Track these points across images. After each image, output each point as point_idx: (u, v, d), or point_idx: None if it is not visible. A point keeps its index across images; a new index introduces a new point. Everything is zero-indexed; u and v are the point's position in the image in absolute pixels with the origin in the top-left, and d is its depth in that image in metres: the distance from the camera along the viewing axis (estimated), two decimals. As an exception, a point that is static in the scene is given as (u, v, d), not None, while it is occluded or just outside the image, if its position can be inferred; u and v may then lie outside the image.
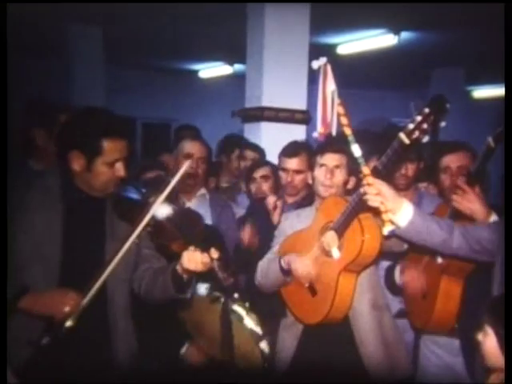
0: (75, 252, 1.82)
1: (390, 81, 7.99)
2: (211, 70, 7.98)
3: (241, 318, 1.84)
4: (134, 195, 1.78)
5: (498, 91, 8.62)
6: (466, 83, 7.69)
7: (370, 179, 1.84)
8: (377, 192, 1.83)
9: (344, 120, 1.90)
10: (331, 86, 1.96)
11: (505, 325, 1.41)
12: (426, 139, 1.78)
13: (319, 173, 2.35)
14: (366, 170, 1.85)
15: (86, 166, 1.82)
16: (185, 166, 1.76)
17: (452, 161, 2.49)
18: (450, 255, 2.01)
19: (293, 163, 2.88)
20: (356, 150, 1.87)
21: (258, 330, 1.85)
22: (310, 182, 2.45)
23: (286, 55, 4.34)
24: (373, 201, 1.84)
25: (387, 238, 1.94)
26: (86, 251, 1.85)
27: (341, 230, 2.12)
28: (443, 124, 1.78)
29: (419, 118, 1.76)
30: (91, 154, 1.80)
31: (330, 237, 2.17)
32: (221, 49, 6.63)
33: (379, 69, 7.10)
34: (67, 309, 1.71)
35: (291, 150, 2.92)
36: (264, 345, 1.82)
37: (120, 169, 1.83)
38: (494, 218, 2.08)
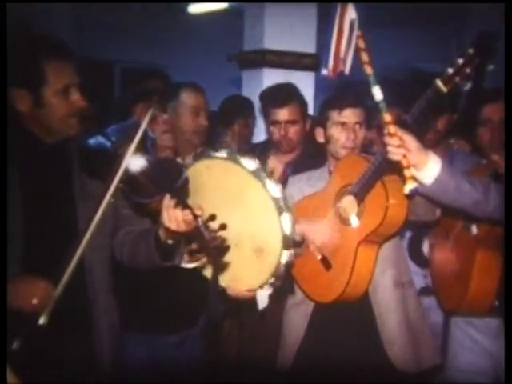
0: (41, 221, 1.77)
1: (416, 16, 7.83)
2: (202, 5, 7.84)
3: (264, 183, 1.79)
4: (103, 145, 1.72)
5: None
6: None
7: (392, 128, 1.82)
8: (399, 143, 1.82)
9: (365, 56, 1.86)
10: (351, 14, 1.89)
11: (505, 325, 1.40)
12: (467, 87, 1.74)
13: (338, 132, 2.33)
14: (387, 116, 1.83)
15: (34, 102, 1.75)
16: (150, 111, 1.71)
17: (494, 111, 2.47)
18: (484, 218, 2.02)
19: (284, 113, 2.86)
20: (377, 93, 1.84)
21: (282, 202, 1.79)
22: (321, 140, 2.42)
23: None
24: (394, 153, 1.84)
25: (410, 197, 1.94)
26: (53, 218, 1.80)
27: (361, 194, 2.12)
28: (491, 67, 1.74)
29: (461, 61, 1.71)
30: (34, 85, 1.73)
31: (348, 202, 2.18)
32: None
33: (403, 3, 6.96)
34: (35, 301, 1.67)
35: (280, 97, 2.89)
36: (286, 218, 1.77)
37: (78, 98, 1.76)
38: None
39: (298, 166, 2.68)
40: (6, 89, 1.76)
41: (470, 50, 1.72)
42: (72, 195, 1.83)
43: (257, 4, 4.36)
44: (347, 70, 1.97)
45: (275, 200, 1.82)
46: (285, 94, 2.92)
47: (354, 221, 2.16)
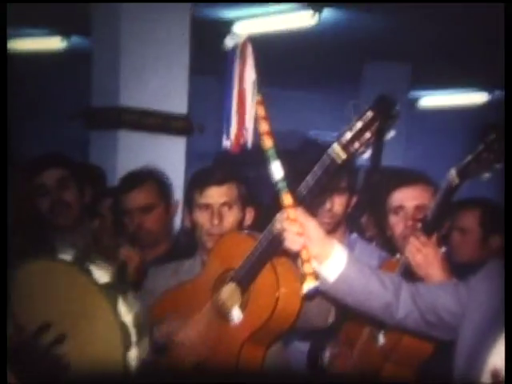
0: None
1: (310, 77, 8.50)
2: (32, 41, 7.64)
3: (112, 300, 1.86)
4: None
5: (452, 99, 9.58)
6: (410, 86, 8.44)
7: (291, 212, 1.98)
8: (299, 231, 1.97)
9: (264, 125, 2.02)
10: (251, 75, 2.05)
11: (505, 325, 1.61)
12: (367, 155, 1.99)
13: (201, 217, 2.57)
14: (287, 198, 2.00)
15: None
16: None
17: (407, 198, 2.70)
18: (395, 326, 2.20)
19: (136, 198, 3.07)
20: (277, 170, 2.01)
21: (132, 329, 1.87)
22: (188, 225, 2.66)
23: (157, 30, 4.57)
24: (293, 242, 1.98)
25: (309, 298, 2.09)
26: None
27: (245, 281, 2.29)
28: (392, 134, 1.99)
29: (360, 125, 1.94)
30: None
31: (230, 291, 2.34)
32: (47, 10, 6.62)
33: (293, 60, 7.57)
34: None
35: (130, 180, 3.12)
36: (133, 354, 1.84)
37: None
38: (454, 282, 2.28)
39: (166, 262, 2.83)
40: (6, 89, 2.02)
41: (369, 113, 1.94)
42: None
43: (110, 47, 4.58)
44: (250, 142, 2.09)
45: (125, 328, 1.89)
46: (137, 176, 3.15)
47: (237, 315, 2.31)
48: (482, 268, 2.16)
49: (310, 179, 2.04)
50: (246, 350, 2.32)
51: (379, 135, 1.98)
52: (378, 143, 2.00)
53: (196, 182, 2.63)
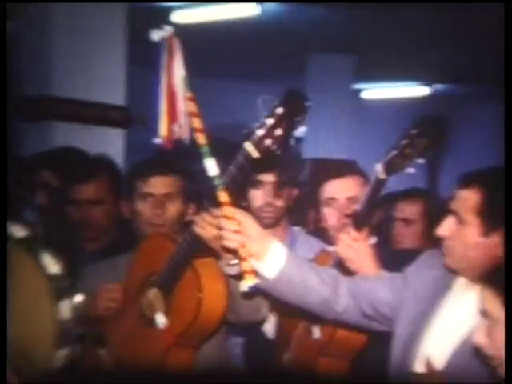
0: None
1: (254, 68, 8.46)
2: None
3: (36, 255, 1.79)
4: None
5: (394, 91, 9.71)
6: (354, 78, 8.45)
7: (227, 210, 1.99)
8: (237, 229, 1.97)
9: (196, 122, 2.02)
10: (180, 70, 2.04)
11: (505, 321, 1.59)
12: (279, 151, 1.98)
13: (143, 206, 2.53)
14: (223, 195, 2.00)
15: None
16: None
17: (339, 189, 2.74)
18: (334, 321, 2.21)
19: (87, 190, 2.97)
20: (212, 167, 2.00)
21: (62, 279, 1.81)
22: (127, 216, 2.61)
23: (92, 17, 4.50)
24: (230, 240, 1.98)
25: (248, 296, 2.06)
26: None
27: (168, 285, 2.25)
28: (302, 130, 1.99)
29: (270, 122, 1.95)
30: None
31: (153, 297, 2.29)
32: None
33: (237, 50, 7.48)
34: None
35: (82, 171, 3.03)
36: (66, 305, 1.78)
37: None
38: (387, 274, 2.30)
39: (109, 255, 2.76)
40: (6, 89, 2.14)
41: (279, 109, 1.95)
42: None
43: (36, 29, 4.43)
44: (186, 135, 2.08)
45: (52, 278, 1.82)
46: (87, 167, 3.05)
47: (161, 320, 2.26)
48: (416, 258, 2.20)
49: (225, 178, 2.03)
50: (172, 353, 2.27)
51: (290, 131, 1.97)
52: (289, 138, 1.99)
53: (139, 171, 2.59)
